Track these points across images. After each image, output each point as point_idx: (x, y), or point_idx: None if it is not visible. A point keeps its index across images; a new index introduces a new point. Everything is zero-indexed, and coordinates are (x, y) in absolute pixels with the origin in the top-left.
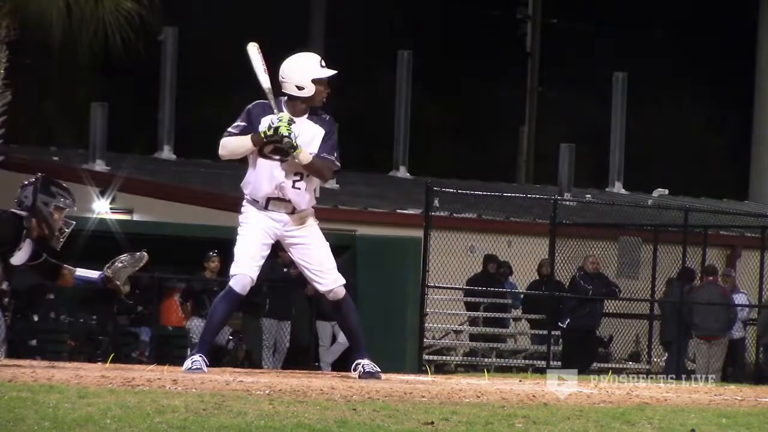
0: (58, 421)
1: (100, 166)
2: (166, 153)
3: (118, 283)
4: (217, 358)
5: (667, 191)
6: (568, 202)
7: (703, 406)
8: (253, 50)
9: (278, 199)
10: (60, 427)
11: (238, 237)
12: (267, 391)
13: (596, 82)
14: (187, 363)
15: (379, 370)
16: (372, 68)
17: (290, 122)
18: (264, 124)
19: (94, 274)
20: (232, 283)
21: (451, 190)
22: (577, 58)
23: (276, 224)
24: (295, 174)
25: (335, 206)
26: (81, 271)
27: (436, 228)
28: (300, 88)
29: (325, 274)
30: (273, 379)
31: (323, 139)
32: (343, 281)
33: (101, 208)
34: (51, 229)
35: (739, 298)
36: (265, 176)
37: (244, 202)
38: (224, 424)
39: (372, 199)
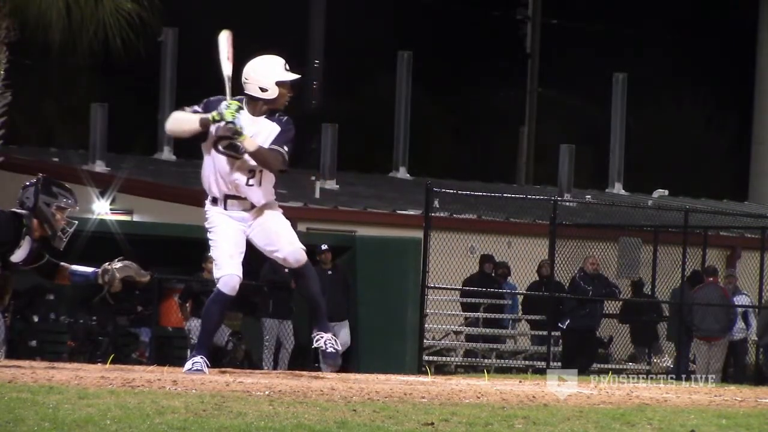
0: (58, 422)
1: (100, 166)
2: (166, 154)
3: (117, 275)
4: (216, 358)
5: (666, 192)
6: (568, 203)
7: (702, 407)
8: (223, 38)
9: (235, 197)
10: (60, 428)
11: (210, 241)
12: (267, 392)
13: (596, 82)
14: (188, 364)
15: (340, 348)
16: (372, 68)
17: (238, 109)
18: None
19: (88, 269)
20: (220, 285)
21: (451, 191)
22: (577, 58)
23: (239, 223)
24: (249, 171)
25: (335, 207)
26: (75, 267)
27: (436, 229)
28: (263, 90)
29: (280, 241)
30: (273, 380)
31: (278, 133)
32: (301, 246)
33: (101, 208)
34: (53, 230)
35: (742, 300)
36: (219, 173)
37: (207, 204)
38: (224, 425)
39: (372, 199)
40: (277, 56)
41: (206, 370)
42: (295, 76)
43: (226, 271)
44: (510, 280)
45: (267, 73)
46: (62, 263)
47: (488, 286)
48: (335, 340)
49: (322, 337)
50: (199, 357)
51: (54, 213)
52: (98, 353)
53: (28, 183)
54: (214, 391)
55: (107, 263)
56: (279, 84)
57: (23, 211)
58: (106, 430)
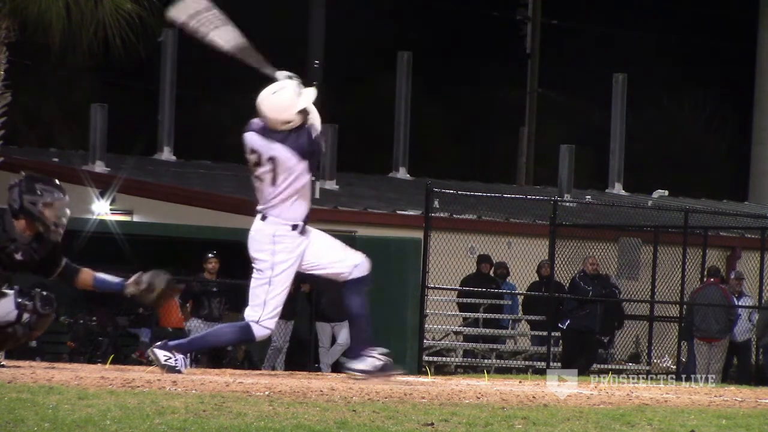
0: (57, 422)
1: (100, 167)
2: (166, 154)
3: (152, 295)
4: (216, 358)
5: (666, 192)
6: (567, 203)
7: (702, 407)
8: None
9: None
10: (60, 429)
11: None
12: (266, 393)
13: (596, 83)
14: (170, 361)
15: (382, 359)
16: (372, 68)
17: None
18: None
19: (114, 279)
20: (256, 330)
21: (451, 192)
22: (577, 58)
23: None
24: None
25: (335, 207)
26: (101, 276)
27: (436, 229)
28: (287, 122)
29: None
30: (272, 380)
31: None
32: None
33: (101, 209)
34: (45, 226)
35: (748, 302)
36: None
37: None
38: (224, 425)
39: (372, 200)
40: (288, 83)
41: (184, 370)
42: (309, 102)
43: (272, 326)
44: (509, 281)
45: (285, 108)
46: (85, 268)
47: (485, 286)
48: (372, 356)
49: (356, 362)
50: (181, 356)
51: (42, 211)
52: (98, 353)
53: (12, 183)
54: (214, 392)
55: (140, 276)
56: (301, 111)
57: (3, 207)
58: (106, 430)
